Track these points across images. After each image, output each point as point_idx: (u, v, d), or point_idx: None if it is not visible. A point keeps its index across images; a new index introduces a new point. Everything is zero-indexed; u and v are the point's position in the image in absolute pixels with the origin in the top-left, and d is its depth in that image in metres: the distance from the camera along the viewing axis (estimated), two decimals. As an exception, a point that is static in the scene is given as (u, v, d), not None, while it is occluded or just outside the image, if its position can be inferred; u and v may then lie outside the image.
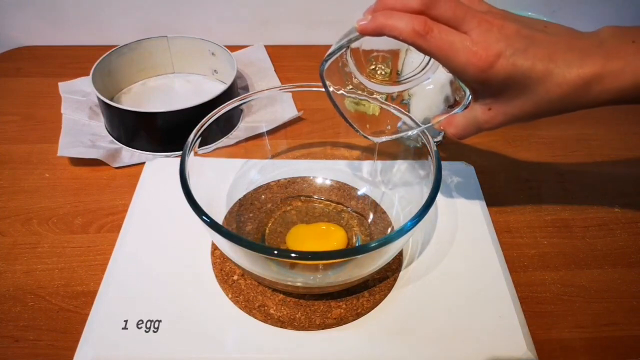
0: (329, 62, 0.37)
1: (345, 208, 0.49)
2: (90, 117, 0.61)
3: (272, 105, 0.60)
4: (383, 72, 0.66)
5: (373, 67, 0.65)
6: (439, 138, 0.61)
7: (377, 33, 0.32)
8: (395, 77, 0.54)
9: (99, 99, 0.56)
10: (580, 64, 0.32)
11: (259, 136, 0.57)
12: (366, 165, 0.52)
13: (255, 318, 0.40)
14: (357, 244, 0.46)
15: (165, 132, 0.57)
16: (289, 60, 0.77)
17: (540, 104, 0.33)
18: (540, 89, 0.32)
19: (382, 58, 0.65)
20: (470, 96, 0.36)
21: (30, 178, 0.54)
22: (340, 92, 0.42)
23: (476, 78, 0.32)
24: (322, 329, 0.39)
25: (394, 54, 0.63)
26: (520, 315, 0.41)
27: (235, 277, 0.43)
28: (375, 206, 0.49)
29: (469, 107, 0.36)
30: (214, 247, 0.45)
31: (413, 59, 0.47)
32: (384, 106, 0.45)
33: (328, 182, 0.52)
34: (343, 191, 0.51)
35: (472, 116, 0.36)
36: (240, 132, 0.59)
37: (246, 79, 0.71)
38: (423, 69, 0.44)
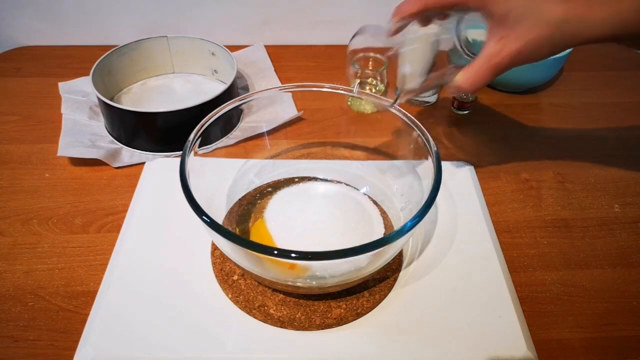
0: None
1: (345, 208, 0.49)
2: (90, 117, 0.61)
3: (272, 105, 0.60)
4: (377, 88, 0.65)
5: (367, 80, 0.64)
6: (432, 99, 0.59)
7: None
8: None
9: (99, 99, 0.56)
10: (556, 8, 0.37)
11: (259, 136, 0.57)
12: (366, 165, 0.52)
13: (255, 318, 0.40)
14: (357, 244, 0.46)
15: (165, 132, 0.57)
16: (289, 60, 0.77)
17: (532, 39, 0.38)
18: (525, 24, 0.37)
19: (374, 63, 0.63)
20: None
21: (30, 178, 0.54)
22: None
23: None
24: (322, 329, 0.39)
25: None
26: (520, 315, 0.41)
27: (235, 277, 0.43)
28: (375, 206, 0.49)
29: (484, 48, 0.40)
30: (214, 247, 0.45)
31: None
32: (382, 102, 0.45)
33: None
34: (343, 191, 0.51)
35: (485, 54, 0.39)
36: (240, 132, 0.59)
37: (246, 79, 0.71)
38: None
